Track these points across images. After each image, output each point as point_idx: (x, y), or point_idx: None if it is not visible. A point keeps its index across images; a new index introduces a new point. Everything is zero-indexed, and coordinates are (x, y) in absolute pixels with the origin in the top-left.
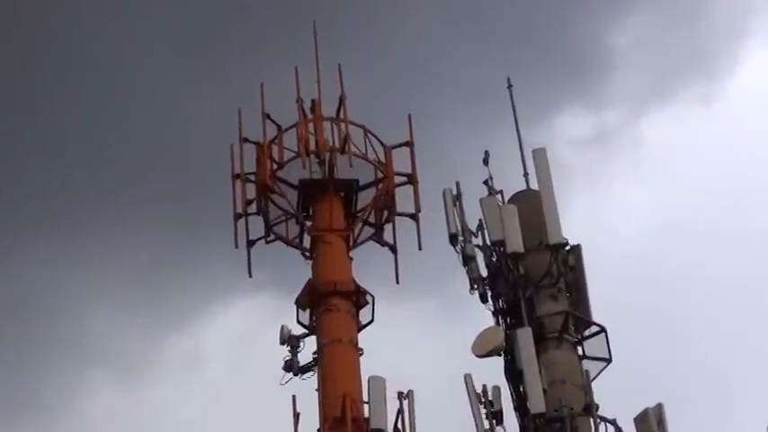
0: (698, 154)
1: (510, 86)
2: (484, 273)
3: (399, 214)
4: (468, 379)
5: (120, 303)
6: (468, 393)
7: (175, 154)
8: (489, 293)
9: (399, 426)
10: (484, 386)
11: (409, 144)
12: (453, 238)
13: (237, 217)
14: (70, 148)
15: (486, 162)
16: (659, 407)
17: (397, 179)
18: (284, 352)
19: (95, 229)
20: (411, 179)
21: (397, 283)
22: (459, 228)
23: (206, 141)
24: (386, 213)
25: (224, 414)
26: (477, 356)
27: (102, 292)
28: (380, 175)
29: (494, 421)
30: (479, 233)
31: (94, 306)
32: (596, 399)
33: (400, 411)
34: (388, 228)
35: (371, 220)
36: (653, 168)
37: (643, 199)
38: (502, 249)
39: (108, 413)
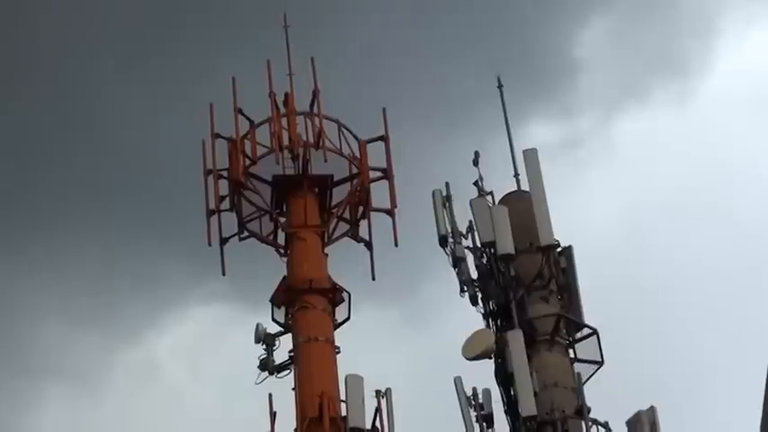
0: (671, 155)
1: (500, 86)
2: (474, 275)
3: (375, 210)
4: (457, 382)
5: (73, 314)
6: (458, 396)
7: (132, 161)
8: (480, 296)
9: (377, 424)
10: (474, 389)
11: (384, 138)
12: (443, 240)
13: (210, 214)
14: (22, 156)
15: (475, 162)
16: (652, 410)
17: (373, 174)
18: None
19: (48, 239)
20: (386, 174)
21: (373, 279)
22: (449, 229)
23: (163, 146)
24: (361, 209)
25: (183, 423)
26: (467, 359)
27: (55, 303)
28: (355, 170)
29: (484, 425)
30: (469, 235)
31: (48, 317)
32: (588, 402)
33: (378, 410)
34: (363, 224)
35: (347, 216)
36: (626, 172)
37: (617, 200)
38: (492, 251)
39: (61, 426)
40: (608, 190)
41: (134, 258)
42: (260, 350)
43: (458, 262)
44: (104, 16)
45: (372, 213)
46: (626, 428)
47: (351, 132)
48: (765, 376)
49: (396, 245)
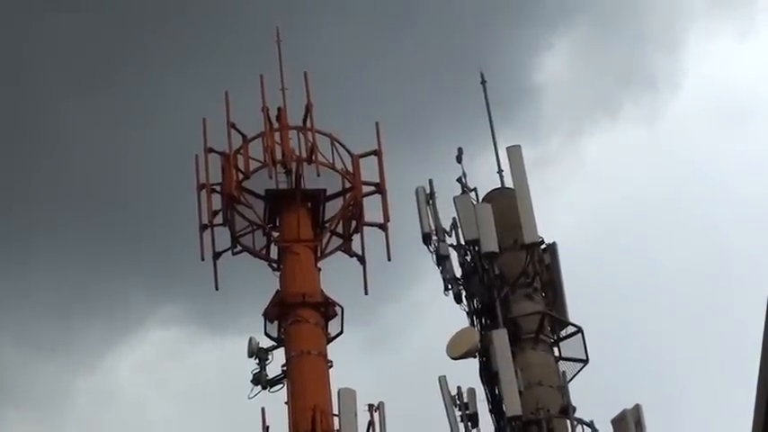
0: (642, 168)
1: (484, 82)
2: (458, 273)
3: (367, 224)
4: (442, 381)
5: (32, 340)
6: (443, 396)
7: (93, 184)
8: (464, 294)
9: None
10: (459, 388)
11: (377, 153)
12: (427, 238)
13: (203, 228)
14: None
15: (459, 159)
16: (637, 408)
17: (366, 188)
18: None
19: (6, 265)
20: (379, 188)
21: (366, 294)
22: (433, 227)
23: (126, 168)
24: (354, 223)
25: None
26: (451, 358)
27: (14, 329)
28: (348, 184)
29: (469, 424)
30: (453, 232)
31: (6, 342)
32: (573, 400)
33: (371, 424)
34: (356, 238)
35: (339, 230)
36: (597, 187)
37: (588, 213)
38: (476, 249)
39: None
40: (579, 205)
41: (93, 283)
42: (253, 364)
43: (442, 260)
44: (93, 27)
45: (365, 227)
46: (611, 427)
47: (344, 147)
48: (757, 374)
49: (389, 259)
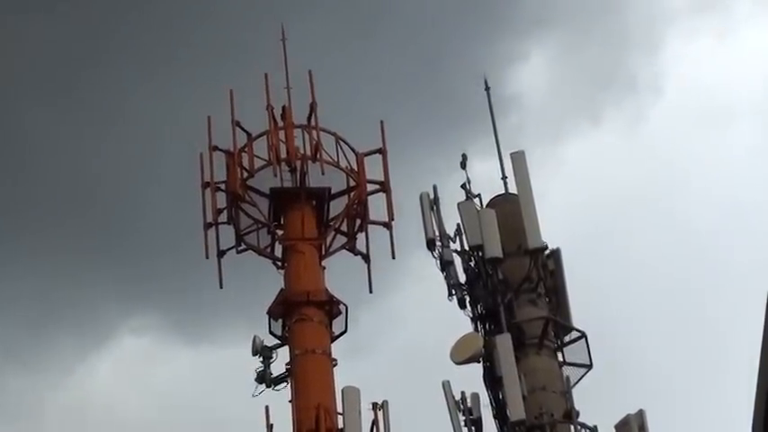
0: (624, 170)
1: (488, 89)
2: (462, 278)
3: (372, 222)
4: (446, 386)
5: (5, 350)
6: (447, 401)
7: (64, 190)
8: (468, 299)
9: None
10: (462, 393)
11: (382, 151)
12: (431, 244)
13: (208, 226)
14: None
15: (463, 165)
16: (640, 413)
17: (370, 187)
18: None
19: None
20: (384, 187)
21: (371, 292)
22: (437, 232)
23: (95, 172)
24: (358, 222)
25: None
26: (455, 363)
27: None
28: (353, 183)
29: (473, 429)
30: (457, 238)
31: None
32: (577, 405)
33: (375, 422)
34: (360, 236)
35: (344, 228)
36: (581, 194)
37: (576, 218)
38: (480, 254)
39: None
40: (562, 208)
41: (65, 291)
42: (257, 362)
43: (446, 265)
44: (88, 25)
45: (370, 226)
46: None
47: (348, 145)
48: (757, 376)
49: (393, 257)
